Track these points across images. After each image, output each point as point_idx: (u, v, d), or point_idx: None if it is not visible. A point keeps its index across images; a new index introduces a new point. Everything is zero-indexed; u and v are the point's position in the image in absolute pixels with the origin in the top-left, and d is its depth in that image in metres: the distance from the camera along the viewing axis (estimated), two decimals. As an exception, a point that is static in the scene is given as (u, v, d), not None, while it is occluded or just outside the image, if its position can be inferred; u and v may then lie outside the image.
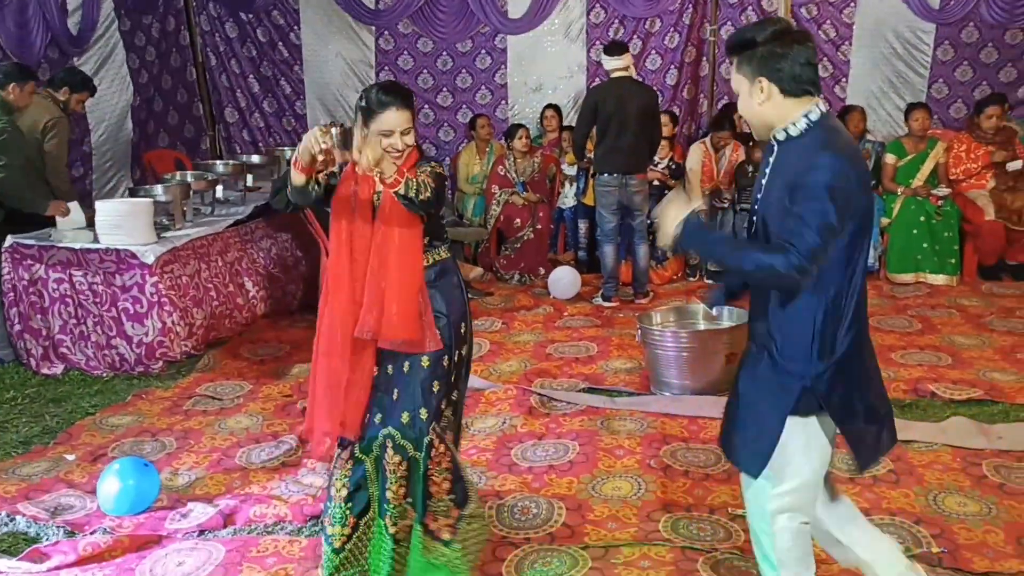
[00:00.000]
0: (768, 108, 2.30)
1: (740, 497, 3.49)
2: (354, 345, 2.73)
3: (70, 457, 4.09)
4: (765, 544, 2.52)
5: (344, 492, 2.82)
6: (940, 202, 6.80)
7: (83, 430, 4.41)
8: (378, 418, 2.81)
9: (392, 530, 2.80)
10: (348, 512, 2.82)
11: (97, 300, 5.07)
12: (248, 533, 3.38)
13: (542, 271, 7.27)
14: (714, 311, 4.61)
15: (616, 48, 6.50)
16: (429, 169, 2.75)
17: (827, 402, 2.34)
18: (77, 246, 5.01)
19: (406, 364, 2.78)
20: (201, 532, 3.39)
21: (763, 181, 2.36)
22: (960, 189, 6.95)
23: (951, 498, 3.44)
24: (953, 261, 6.74)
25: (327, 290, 2.79)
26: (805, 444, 2.37)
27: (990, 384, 4.58)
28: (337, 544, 2.82)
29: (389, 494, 2.79)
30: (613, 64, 6.41)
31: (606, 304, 6.45)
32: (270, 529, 3.40)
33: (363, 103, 2.74)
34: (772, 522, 2.46)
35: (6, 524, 3.46)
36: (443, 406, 2.81)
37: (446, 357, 2.81)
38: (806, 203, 2.18)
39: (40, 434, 4.39)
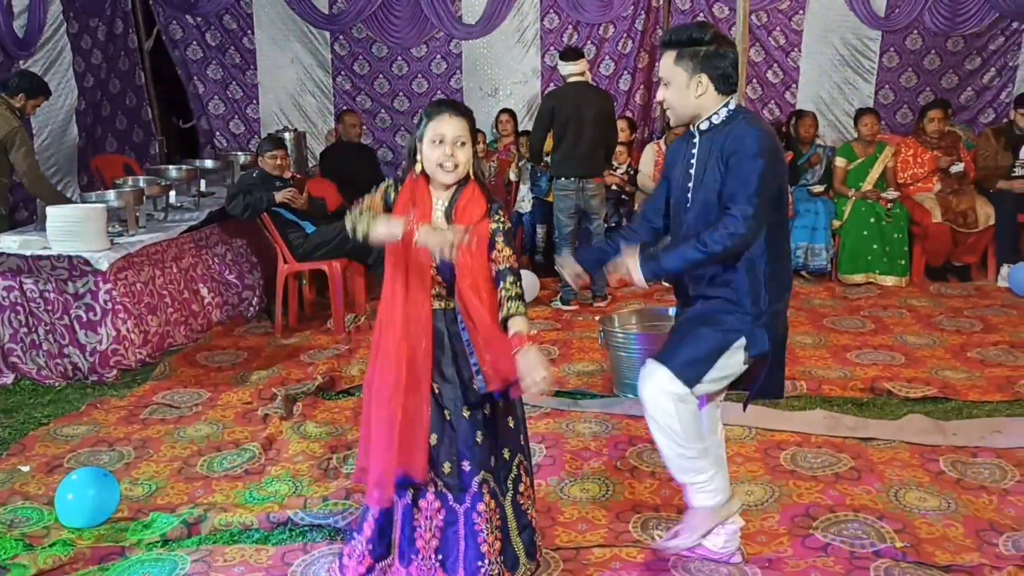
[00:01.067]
0: (702, 101, 2.61)
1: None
2: (408, 391, 2.60)
3: (24, 468, 3.98)
4: (660, 420, 2.84)
5: (369, 532, 2.77)
6: (889, 205, 6.96)
7: (36, 441, 4.29)
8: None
9: None
10: (367, 552, 2.78)
11: (49, 308, 4.95)
12: (213, 542, 3.32)
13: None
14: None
15: (572, 53, 6.54)
16: (500, 226, 2.65)
17: (771, 336, 2.75)
18: (28, 253, 4.89)
19: (445, 411, 2.66)
20: (165, 542, 3.32)
21: (691, 171, 2.63)
22: (908, 192, 7.12)
23: (911, 494, 3.51)
24: (903, 262, 6.90)
25: (379, 332, 2.68)
26: (725, 364, 2.78)
27: (943, 382, 4.70)
28: None
29: (420, 543, 2.69)
30: (569, 69, 6.45)
31: (565, 308, 6.47)
32: (236, 538, 3.34)
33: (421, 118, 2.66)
34: (674, 406, 2.79)
35: (-40, 538, 3.35)
36: (492, 461, 2.69)
37: (488, 404, 2.70)
38: (741, 164, 2.53)
39: (-8, 445, 4.27)
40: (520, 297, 2.62)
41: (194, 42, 8.67)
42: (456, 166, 2.60)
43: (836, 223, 7.07)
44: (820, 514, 3.37)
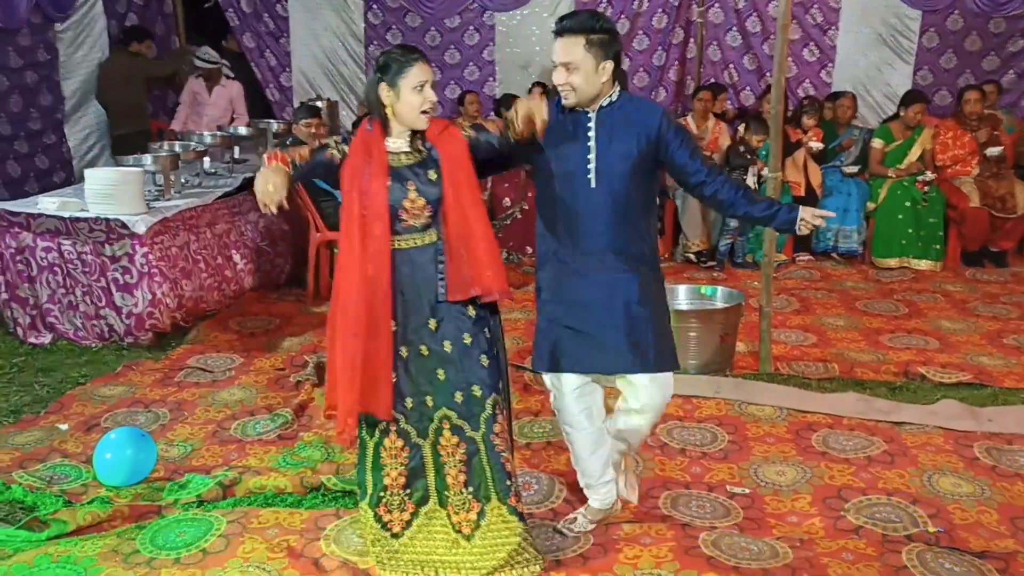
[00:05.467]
0: (605, 85, 2.82)
1: (738, 475, 3.57)
2: (368, 320, 2.67)
3: (63, 427, 4.04)
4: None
5: (402, 480, 2.80)
6: (926, 188, 6.87)
7: (74, 400, 4.36)
8: (430, 401, 2.78)
9: (455, 520, 2.78)
10: (407, 498, 2.81)
11: (86, 270, 4.99)
12: (248, 505, 3.36)
13: (529, 250, 7.26)
14: None
15: None
16: (461, 121, 2.79)
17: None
18: (66, 215, 4.92)
19: (445, 343, 2.74)
20: (200, 503, 3.37)
21: (590, 144, 2.82)
22: (946, 175, 7.02)
23: (945, 479, 3.49)
24: (938, 247, 6.81)
25: (339, 271, 2.76)
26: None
27: (978, 368, 4.66)
28: (397, 528, 2.81)
29: (449, 479, 2.76)
30: None
31: None
32: (270, 501, 3.39)
33: (385, 63, 2.71)
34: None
35: (2, 492, 3.41)
36: (497, 381, 2.78)
37: (487, 329, 2.78)
38: (683, 135, 2.88)
39: (31, 403, 4.33)
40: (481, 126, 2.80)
41: (230, 8, 8.67)
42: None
43: (870, 205, 6.99)
44: (852, 496, 3.37)
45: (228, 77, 7.94)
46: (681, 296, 4.87)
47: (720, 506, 3.34)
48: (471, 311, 2.75)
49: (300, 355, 4.96)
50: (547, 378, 3.03)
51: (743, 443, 3.85)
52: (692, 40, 8.44)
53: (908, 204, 6.83)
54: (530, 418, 4.12)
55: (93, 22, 7.48)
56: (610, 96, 2.85)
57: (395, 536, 2.82)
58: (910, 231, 6.80)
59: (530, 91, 8.16)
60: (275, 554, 3.00)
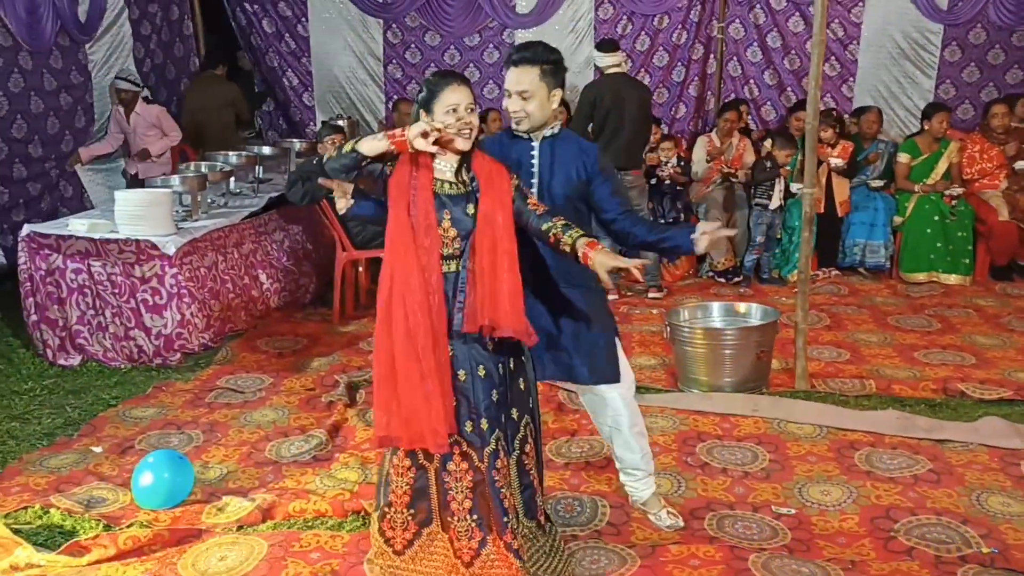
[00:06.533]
0: (555, 112, 3.03)
1: (782, 495, 3.52)
2: (435, 344, 2.61)
3: (97, 449, 4.02)
4: (635, 445, 3.29)
5: (406, 498, 2.77)
6: (954, 202, 6.82)
7: (107, 422, 4.34)
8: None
9: (456, 546, 2.73)
10: (410, 518, 2.77)
11: (116, 291, 4.99)
12: (288, 528, 3.33)
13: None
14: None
15: (609, 45, 6.58)
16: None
17: None
18: (96, 236, 4.92)
19: (460, 372, 2.70)
20: (240, 527, 3.34)
21: (534, 170, 3.03)
22: (973, 189, 6.97)
23: (994, 498, 3.44)
24: (967, 261, 6.75)
25: (390, 287, 2.64)
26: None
27: (1018, 384, 4.59)
28: (399, 547, 2.78)
29: (454, 505, 2.73)
30: (607, 61, 6.47)
31: (608, 297, 6.43)
32: (310, 524, 3.35)
33: (423, 91, 2.71)
34: (633, 421, 3.27)
35: (40, 517, 3.39)
36: (503, 419, 2.73)
37: (500, 365, 2.73)
38: (612, 177, 3.07)
39: (63, 426, 4.32)
40: (573, 227, 2.71)
41: (253, 30, 8.71)
42: (472, 131, 2.70)
43: (897, 220, 6.94)
44: (901, 516, 3.32)
45: (147, 101, 7.19)
46: (715, 313, 4.83)
47: (767, 527, 3.29)
48: (489, 344, 2.70)
49: (330, 375, 4.93)
50: None
51: (785, 462, 3.80)
52: (712, 56, 8.43)
53: (936, 218, 6.78)
54: (567, 438, 4.08)
55: (122, 44, 7.53)
56: (552, 128, 3.04)
57: (397, 553, 2.80)
58: (938, 245, 6.74)
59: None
60: (319, 579, 2.96)
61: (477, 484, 2.72)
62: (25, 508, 3.44)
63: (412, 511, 2.78)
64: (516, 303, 2.64)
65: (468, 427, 2.71)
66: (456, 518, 2.74)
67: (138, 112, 7.07)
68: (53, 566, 3.04)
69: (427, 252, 2.63)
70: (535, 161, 3.06)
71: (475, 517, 2.73)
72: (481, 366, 2.70)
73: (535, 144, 3.06)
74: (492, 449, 2.71)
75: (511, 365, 2.77)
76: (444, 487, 2.74)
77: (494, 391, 2.71)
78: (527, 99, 2.96)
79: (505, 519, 2.72)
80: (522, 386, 2.82)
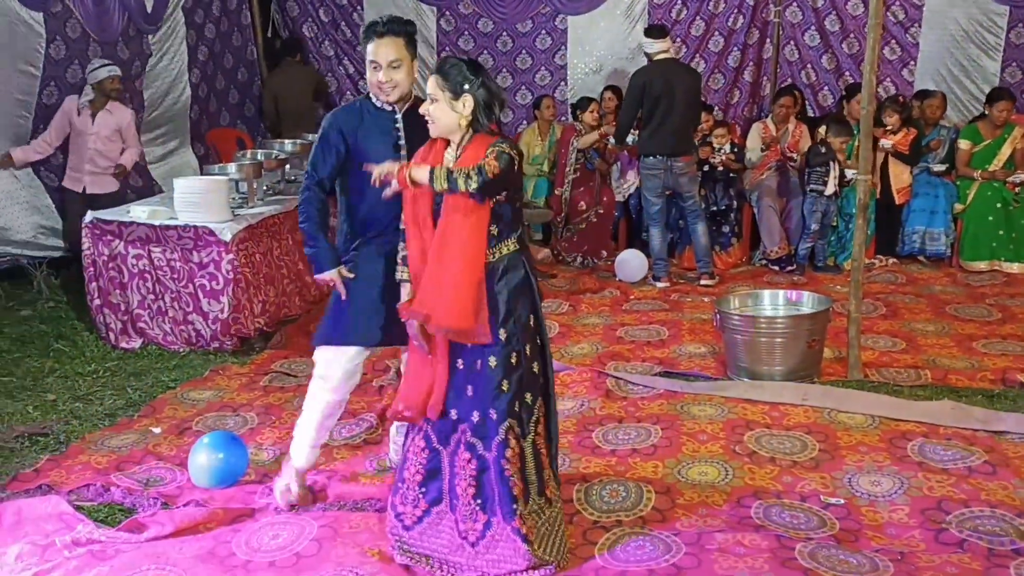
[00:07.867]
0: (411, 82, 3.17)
1: (831, 485, 3.49)
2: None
3: (156, 430, 4.14)
4: None
5: (419, 477, 2.87)
6: (1017, 189, 6.64)
7: (166, 404, 4.47)
8: (454, 414, 2.83)
9: (462, 527, 2.82)
10: (420, 496, 2.86)
11: (175, 276, 5.12)
12: (338, 509, 3.40)
13: (604, 254, 7.23)
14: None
15: (657, 31, 6.55)
16: (497, 150, 2.67)
17: None
18: (156, 223, 5.06)
19: (477, 362, 2.78)
20: (292, 507, 3.42)
21: (401, 141, 3.16)
22: (1038, 176, 6.79)
23: (1052, 491, 3.37)
24: (1031, 249, 6.60)
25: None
26: None
27: (1081, 375, 4.48)
28: (408, 522, 2.89)
29: (459, 490, 2.81)
30: (657, 47, 6.43)
31: (658, 285, 6.43)
32: (360, 506, 3.41)
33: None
34: None
35: (101, 495, 3.51)
36: (516, 406, 2.79)
37: (514, 354, 2.78)
38: None
39: (124, 407, 4.45)
40: (467, 173, 2.61)
41: (309, 19, 8.82)
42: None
43: (958, 207, 6.79)
44: (953, 508, 3.26)
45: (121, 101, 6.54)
46: (766, 301, 4.79)
47: (815, 516, 3.26)
48: (502, 333, 2.77)
49: (381, 359, 4.99)
50: (332, 351, 3.33)
51: (834, 452, 3.76)
52: (768, 40, 8.30)
53: (999, 205, 6.62)
54: (614, 424, 4.08)
55: (176, 33, 7.68)
56: (409, 101, 3.19)
57: (406, 528, 2.90)
58: (1001, 233, 6.59)
59: (602, 95, 8.11)
60: (367, 559, 3.02)
61: (480, 472, 2.80)
62: (87, 486, 3.57)
63: (423, 489, 2.88)
64: (462, 296, 2.68)
65: (475, 416, 2.78)
66: (461, 501, 2.82)
67: (109, 111, 6.29)
68: (112, 542, 3.15)
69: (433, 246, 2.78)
70: (401, 130, 3.19)
71: (479, 501, 2.81)
72: (477, 359, 2.76)
73: (399, 116, 3.20)
74: (502, 439, 2.77)
75: (527, 351, 2.81)
76: (454, 471, 2.83)
77: (505, 382, 2.76)
78: (396, 68, 3.10)
79: (514, 506, 2.78)
80: (536, 369, 2.86)
